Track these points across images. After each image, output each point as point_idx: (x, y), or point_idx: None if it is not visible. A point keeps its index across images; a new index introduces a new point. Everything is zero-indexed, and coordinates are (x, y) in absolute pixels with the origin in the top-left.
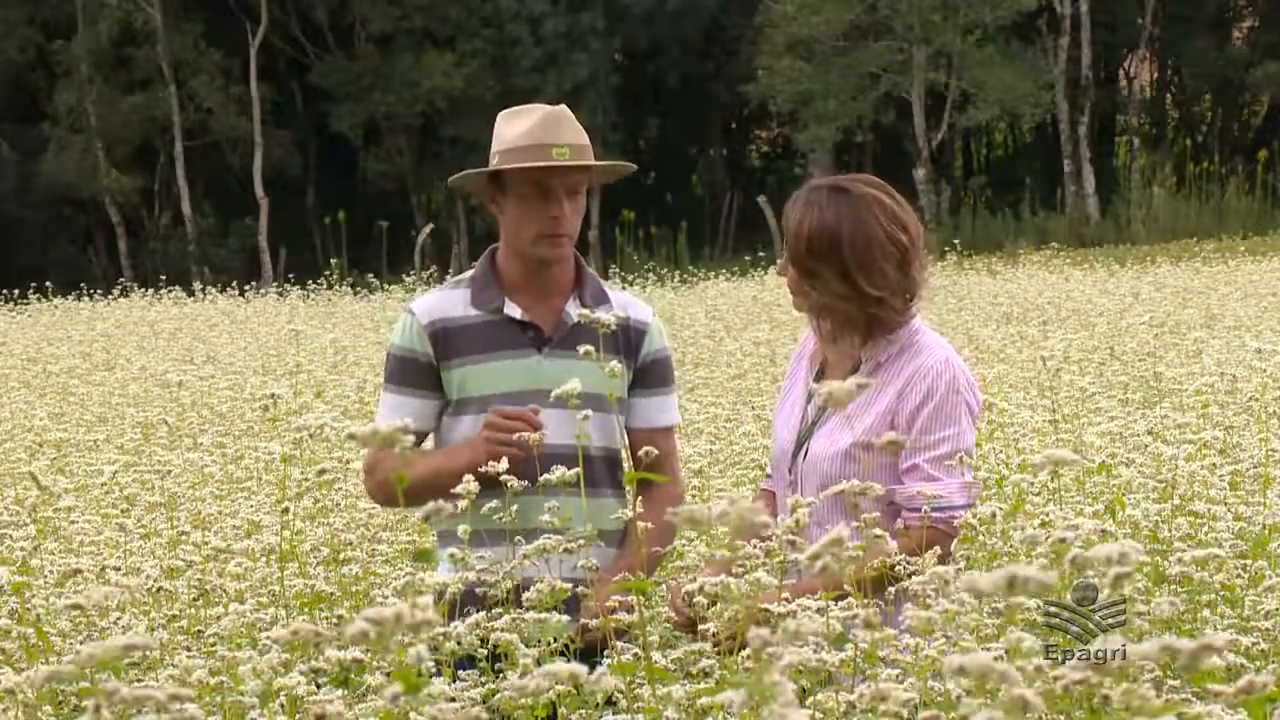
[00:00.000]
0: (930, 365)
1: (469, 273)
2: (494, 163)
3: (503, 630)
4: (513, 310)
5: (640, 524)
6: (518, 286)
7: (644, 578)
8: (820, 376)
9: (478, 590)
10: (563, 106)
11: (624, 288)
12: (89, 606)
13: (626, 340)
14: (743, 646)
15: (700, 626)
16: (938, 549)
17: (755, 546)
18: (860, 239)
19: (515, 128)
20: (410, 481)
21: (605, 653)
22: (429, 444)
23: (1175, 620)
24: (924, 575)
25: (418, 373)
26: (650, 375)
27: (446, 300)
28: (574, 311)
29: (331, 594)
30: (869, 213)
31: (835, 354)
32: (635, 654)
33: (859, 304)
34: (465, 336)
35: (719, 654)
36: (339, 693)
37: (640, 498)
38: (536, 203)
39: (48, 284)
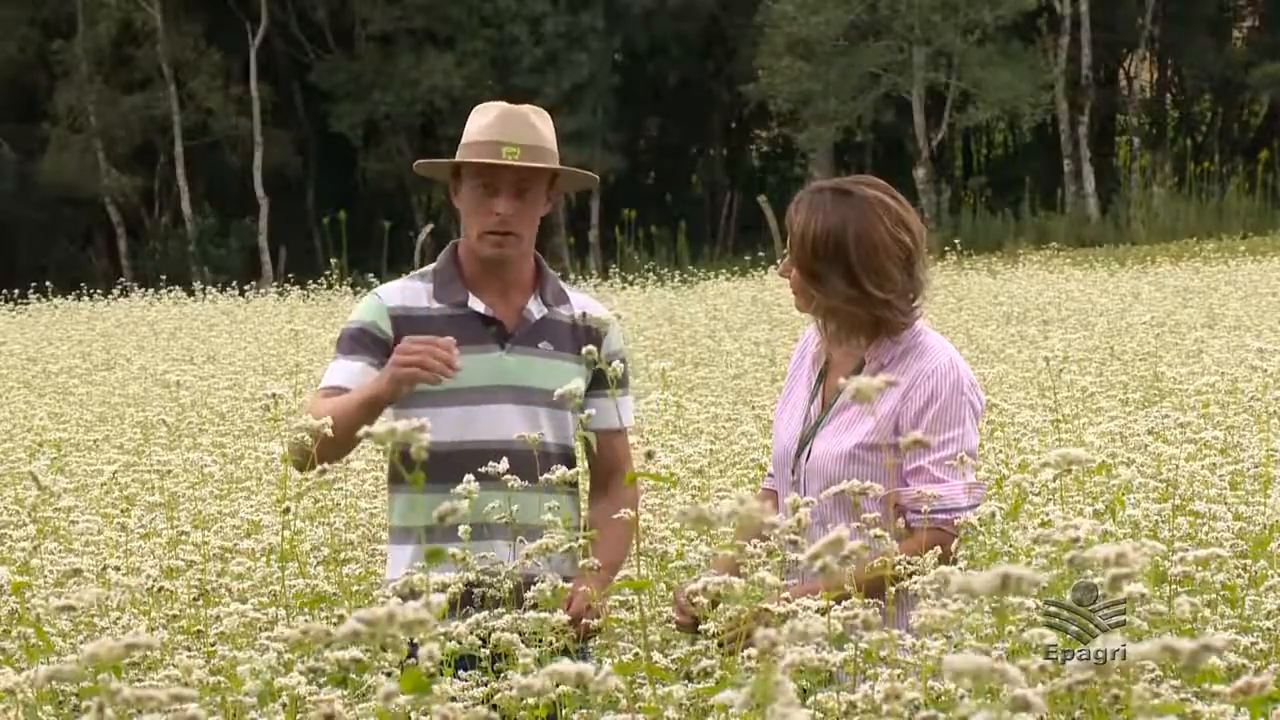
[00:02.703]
0: (934, 368)
1: (431, 266)
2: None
3: (502, 630)
4: (476, 305)
5: (616, 523)
6: (479, 282)
7: (611, 577)
8: (824, 377)
9: (474, 591)
10: (529, 106)
11: (624, 287)
12: (81, 608)
13: (588, 340)
14: (745, 646)
15: (701, 626)
16: (940, 550)
17: (757, 546)
18: (865, 242)
19: (475, 123)
20: (320, 426)
21: (590, 642)
22: None
23: (1175, 620)
24: (926, 575)
25: (373, 343)
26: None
27: (410, 291)
28: (535, 309)
29: (332, 594)
30: (873, 215)
31: (840, 355)
32: (635, 654)
33: (865, 306)
34: (427, 329)
35: (723, 654)
36: (339, 693)
37: (597, 497)
38: (484, 199)
39: (48, 284)
